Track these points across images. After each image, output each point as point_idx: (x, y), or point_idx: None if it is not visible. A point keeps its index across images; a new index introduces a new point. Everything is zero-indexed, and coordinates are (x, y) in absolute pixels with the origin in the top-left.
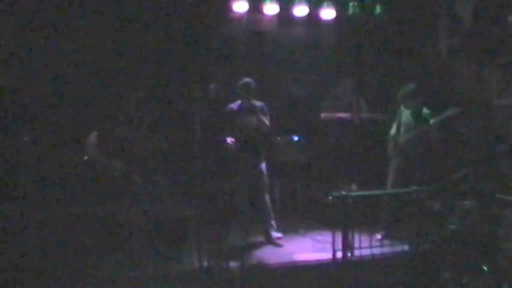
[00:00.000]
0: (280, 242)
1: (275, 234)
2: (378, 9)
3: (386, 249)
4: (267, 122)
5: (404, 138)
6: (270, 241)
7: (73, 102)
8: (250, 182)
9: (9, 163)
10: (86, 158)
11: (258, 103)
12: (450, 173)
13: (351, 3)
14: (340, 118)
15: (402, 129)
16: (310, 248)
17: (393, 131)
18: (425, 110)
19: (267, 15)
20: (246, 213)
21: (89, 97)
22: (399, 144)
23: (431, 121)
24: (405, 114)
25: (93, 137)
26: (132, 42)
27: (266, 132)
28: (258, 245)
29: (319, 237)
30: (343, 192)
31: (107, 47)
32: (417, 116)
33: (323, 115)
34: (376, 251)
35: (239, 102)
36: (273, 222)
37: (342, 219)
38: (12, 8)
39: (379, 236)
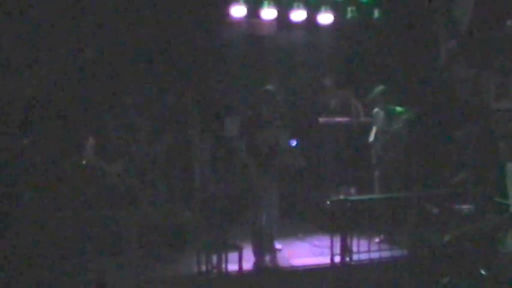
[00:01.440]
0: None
1: (277, 245)
2: (376, 13)
3: (385, 254)
4: (287, 137)
5: (380, 144)
6: (272, 249)
7: (72, 106)
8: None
9: (8, 165)
10: (84, 162)
11: (273, 114)
12: (448, 177)
13: (349, 8)
14: (338, 122)
15: (379, 134)
16: (309, 253)
17: (371, 137)
18: (398, 109)
19: (265, 20)
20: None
21: (88, 101)
22: (377, 151)
23: (397, 122)
24: (379, 118)
25: (92, 141)
26: (131, 47)
27: (285, 149)
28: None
29: (317, 242)
30: (342, 197)
31: (105, 51)
32: (390, 117)
33: (321, 119)
34: (375, 255)
35: (258, 112)
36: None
37: (340, 224)
38: (14, 10)
39: (377, 240)
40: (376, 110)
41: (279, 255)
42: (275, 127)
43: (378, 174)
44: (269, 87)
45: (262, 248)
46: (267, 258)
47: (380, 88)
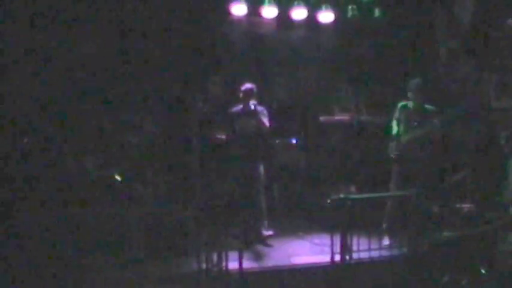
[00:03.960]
0: (270, 241)
1: (265, 232)
2: (377, 12)
3: (385, 252)
4: (266, 123)
5: (407, 138)
6: (260, 240)
7: (73, 105)
8: (247, 183)
9: (9, 164)
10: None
11: (258, 107)
12: (449, 175)
13: (350, 6)
14: (339, 121)
15: (402, 127)
16: (309, 251)
17: (394, 130)
18: (428, 106)
19: (266, 18)
20: (241, 213)
21: (90, 100)
22: (401, 144)
23: (436, 120)
24: (406, 112)
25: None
26: (133, 46)
27: (265, 134)
28: (257, 247)
29: (317, 240)
30: (342, 195)
31: (107, 50)
32: (420, 112)
33: (322, 118)
34: (375, 253)
35: (241, 105)
36: (265, 221)
37: (340, 222)
38: (16, 10)
39: (387, 242)
40: (404, 103)
41: (278, 252)
42: (255, 117)
43: (397, 170)
44: (249, 85)
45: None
46: (265, 251)
47: (416, 81)
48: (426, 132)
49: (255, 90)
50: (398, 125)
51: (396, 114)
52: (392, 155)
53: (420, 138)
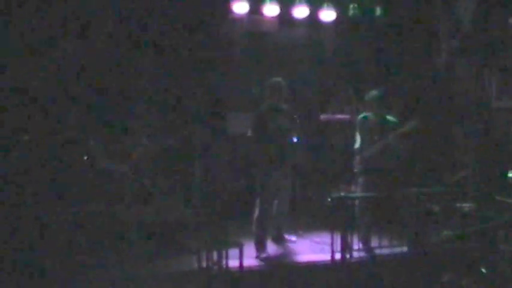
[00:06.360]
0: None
1: (289, 236)
2: (378, 11)
3: (386, 251)
4: (297, 123)
5: (369, 152)
6: (281, 239)
7: (76, 102)
8: (277, 183)
9: (10, 161)
10: (86, 157)
11: (284, 105)
12: (448, 175)
13: (351, 5)
14: (340, 119)
15: (364, 141)
16: (309, 249)
17: (357, 143)
18: (390, 118)
19: (267, 17)
20: (267, 215)
21: (92, 98)
22: (364, 159)
23: (390, 136)
24: (366, 124)
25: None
26: (133, 45)
27: (296, 134)
28: (257, 246)
29: (317, 239)
30: (342, 194)
31: (109, 48)
32: (381, 124)
33: (322, 116)
34: (375, 252)
35: (268, 103)
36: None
37: (341, 221)
38: (18, 7)
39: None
40: (363, 115)
41: (278, 251)
42: (286, 116)
43: (362, 184)
44: (277, 79)
45: (265, 243)
46: (277, 249)
47: (375, 92)
48: (383, 147)
49: (284, 84)
50: (361, 138)
51: (357, 127)
52: (355, 170)
53: (379, 153)
